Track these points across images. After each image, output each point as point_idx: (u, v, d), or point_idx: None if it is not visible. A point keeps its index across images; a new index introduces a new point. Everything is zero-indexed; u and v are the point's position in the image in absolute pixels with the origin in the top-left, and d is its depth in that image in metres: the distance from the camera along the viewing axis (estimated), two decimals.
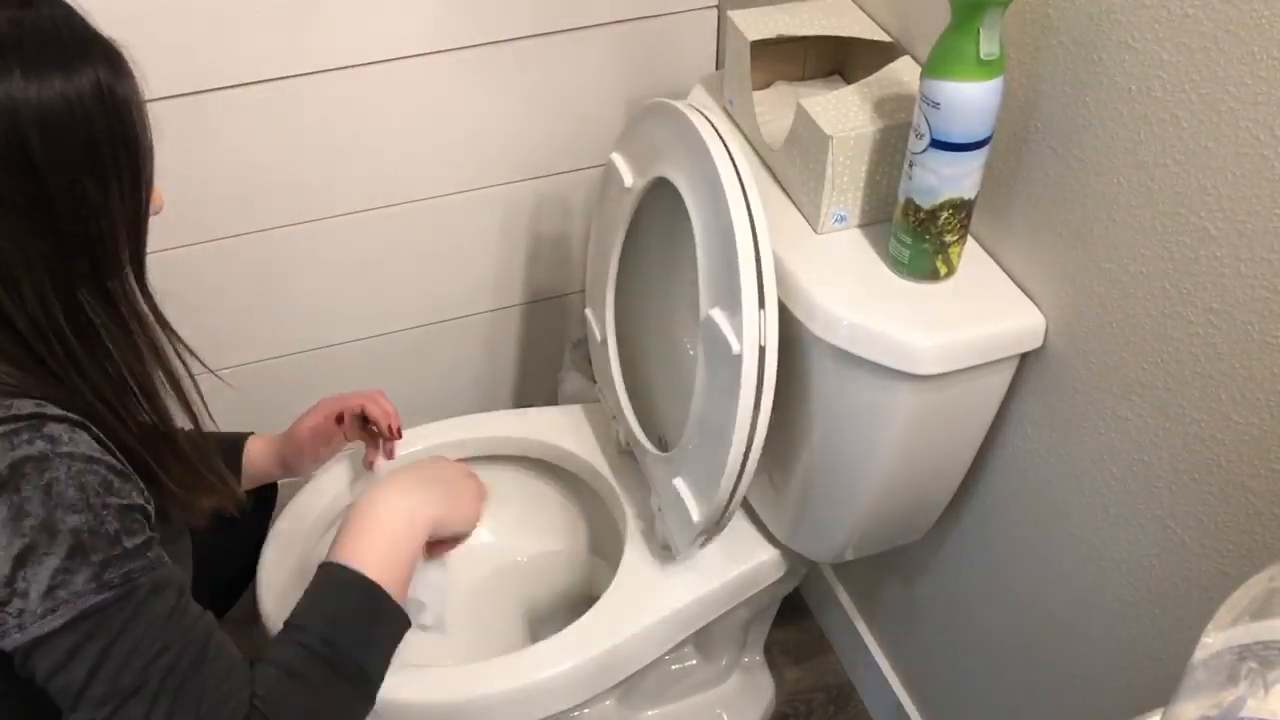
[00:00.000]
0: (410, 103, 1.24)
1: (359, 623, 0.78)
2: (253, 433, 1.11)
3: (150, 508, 0.70)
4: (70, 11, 0.65)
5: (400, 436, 1.14)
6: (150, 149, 0.69)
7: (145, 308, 0.71)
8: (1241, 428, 0.74)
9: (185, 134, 1.16)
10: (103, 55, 0.64)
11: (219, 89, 1.15)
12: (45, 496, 0.63)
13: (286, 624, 0.77)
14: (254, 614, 1.08)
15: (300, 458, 1.10)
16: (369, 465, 1.16)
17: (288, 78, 1.17)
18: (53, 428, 0.64)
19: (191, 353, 0.76)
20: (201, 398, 0.79)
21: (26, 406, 0.64)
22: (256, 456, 1.09)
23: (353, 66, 1.19)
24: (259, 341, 1.39)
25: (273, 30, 1.13)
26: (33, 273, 0.64)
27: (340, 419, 1.12)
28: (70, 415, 0.66)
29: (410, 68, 1.21)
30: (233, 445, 1.08)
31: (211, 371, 0.79)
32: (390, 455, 1.16)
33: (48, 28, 0.63)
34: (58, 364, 0.67)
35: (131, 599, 0.66)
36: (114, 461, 0.67)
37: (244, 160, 1.21)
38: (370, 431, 1.15)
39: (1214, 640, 0.45)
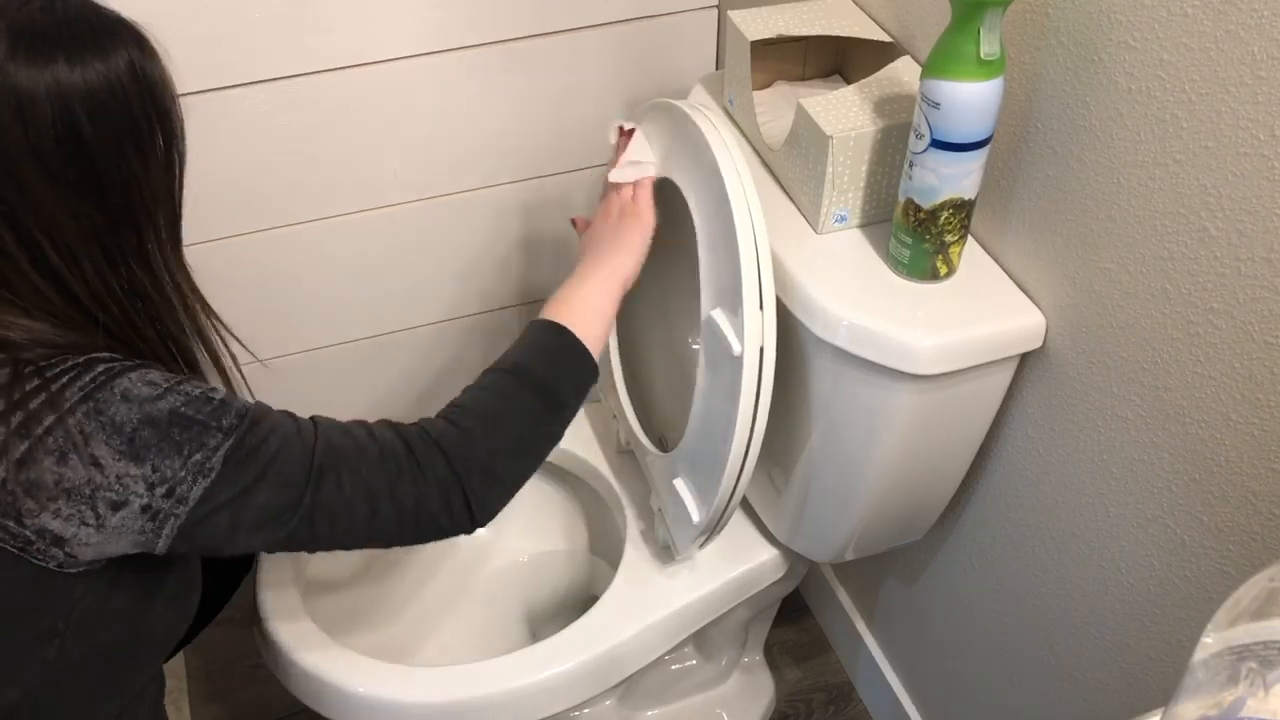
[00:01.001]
0: (410, 103, 1.24)
1: (547, 351, 0.88)
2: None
3: None
4: (88, 3, 0.69)
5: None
6: (181, 123, 0.73)
7: (184, 281, 0.76)
8: (1241, 428, 0.74)
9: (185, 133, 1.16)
10: (131, 37, 0.69)
11: (219, 89, 1.15)
12: (126, 402, 0.68)
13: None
14: (254, 615, 1.08)
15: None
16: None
17: (288, 78, 1.17)
18: (103, 360, 0.69)
19: (227, 329, 0.81)
20: (240, 371, 0.84)
21: (80, 358, 0.68)
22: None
23: (353, 66, 1.19)
24: (258, 342, 1.38)
25: (273, 30, 1.13)
26: (89, 244, 0.69)
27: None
28: (118, 356, 0.70)
29: (410, 68, 1.21)
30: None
31: (243, 345, 0.84)
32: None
33: (76, 15, 0.66)
34: (118, 327, 0.72)
35: (257, 425, 0.73)
36: (157, 364, 0.72)
37: (244, 160, 1.21)
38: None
39: (1214, 640, 0.45)
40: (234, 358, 0.83)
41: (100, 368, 0.68)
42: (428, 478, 0.78)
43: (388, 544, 0.80)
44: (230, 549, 0.73)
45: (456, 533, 0.82)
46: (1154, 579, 0.87)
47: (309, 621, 1.05)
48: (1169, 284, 0.76)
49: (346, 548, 0.79)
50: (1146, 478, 0.84)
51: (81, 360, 0.68)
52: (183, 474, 0.69)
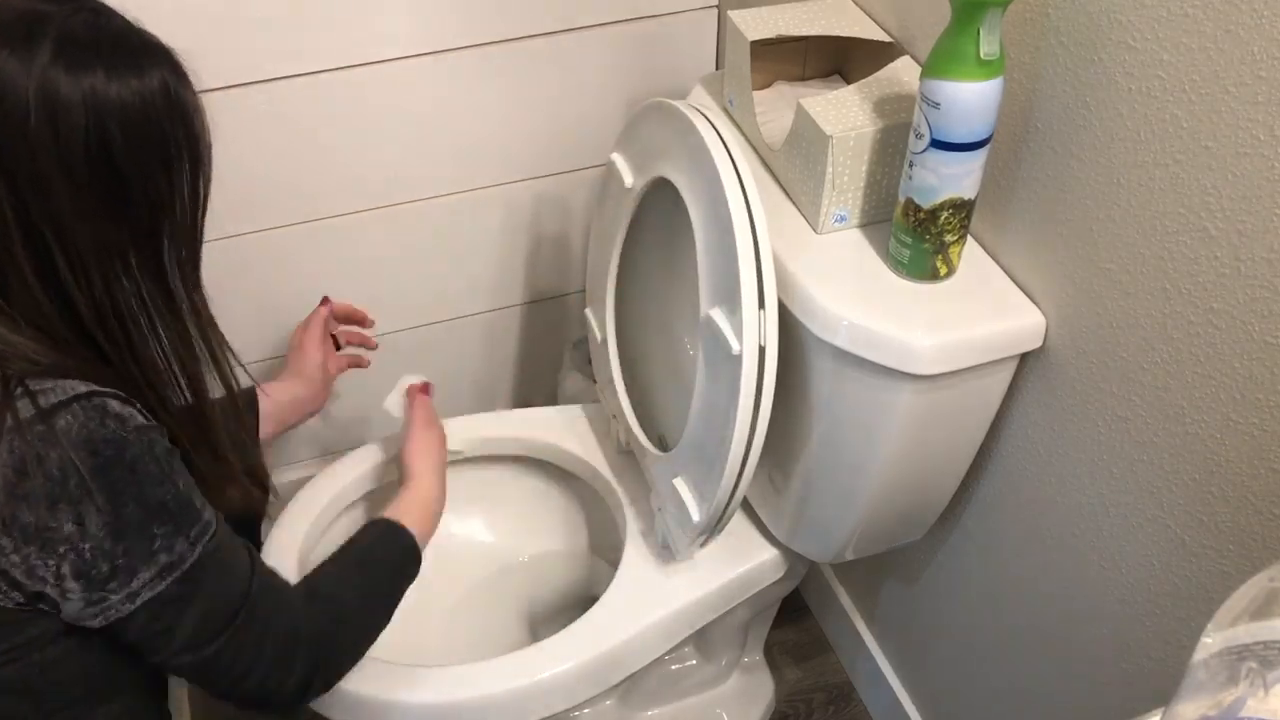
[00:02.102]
0: (410, 103, 1.24)
1: (393, 564, 0.94)
2: (255, 385, 1.07)
3: None
4: (130, 21, 0.70)
5: (372, 322, 1.23)
6: (210, 149, 0.73)
7: (200, 301, 0.77)
8: (1241, 428, 0.74)
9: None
10: (166, 59, 0.69)
11: (219, 89, 1.15)
12: (131, 475, 0.68)
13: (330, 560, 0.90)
14: None
15: (319, 393, 1.16)
16: (364, 365, 1.25)
17: (288, 78, 1.17)
18: (113, 405, 0.68)
19: (230, 352, 0.82)
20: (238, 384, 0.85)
21: (80, 387, 0.67)
22: (278, 401, 1.10)
23: (353, 66, 1.19)
24: (258, 342, 1.39)
25: (273, 30, 1.13)
26: (101, 258, 0.68)
27: (331, 341, 1.19)
28: (119, 393, 0.69)
29: (410, 68, 1.21)
30: (248, 400, 1.07)
31: (247, 372, 0.85)
32: (374, 345, 1.25)
33: (119, 32, 0.68)
34: (113, 347, 0.71)
35: (216, 551, 0.74)
36: (162, 427, 0.72)
37: (244, 160, 1.21)
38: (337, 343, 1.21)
39: (1214, 640, 0.45)
40: (234, 372, 0.84)
41: (112, 414, 0.67)
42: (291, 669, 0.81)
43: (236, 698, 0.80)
44: (151, 656, 0.74)
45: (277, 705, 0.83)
46: (1154, 579, 0.87)
47: None
48: (1169, 284, 0.76)
49: (246, 703, 0.80)
50: (1146, 478, 0.84)
51: (84, 395, 0.67)
52: (148, 576, 0.70)
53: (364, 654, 0.89)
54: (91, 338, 0.70)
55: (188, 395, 0.77)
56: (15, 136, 0.63)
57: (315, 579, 0.87)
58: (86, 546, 0.67)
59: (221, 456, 0.81)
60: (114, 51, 0.66)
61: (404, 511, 0.97)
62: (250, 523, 1.14)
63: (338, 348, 1.23)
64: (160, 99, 0.68)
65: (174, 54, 0.71)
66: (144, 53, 0.68)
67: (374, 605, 0.90)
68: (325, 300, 1.20)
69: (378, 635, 0.91)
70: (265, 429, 1.09)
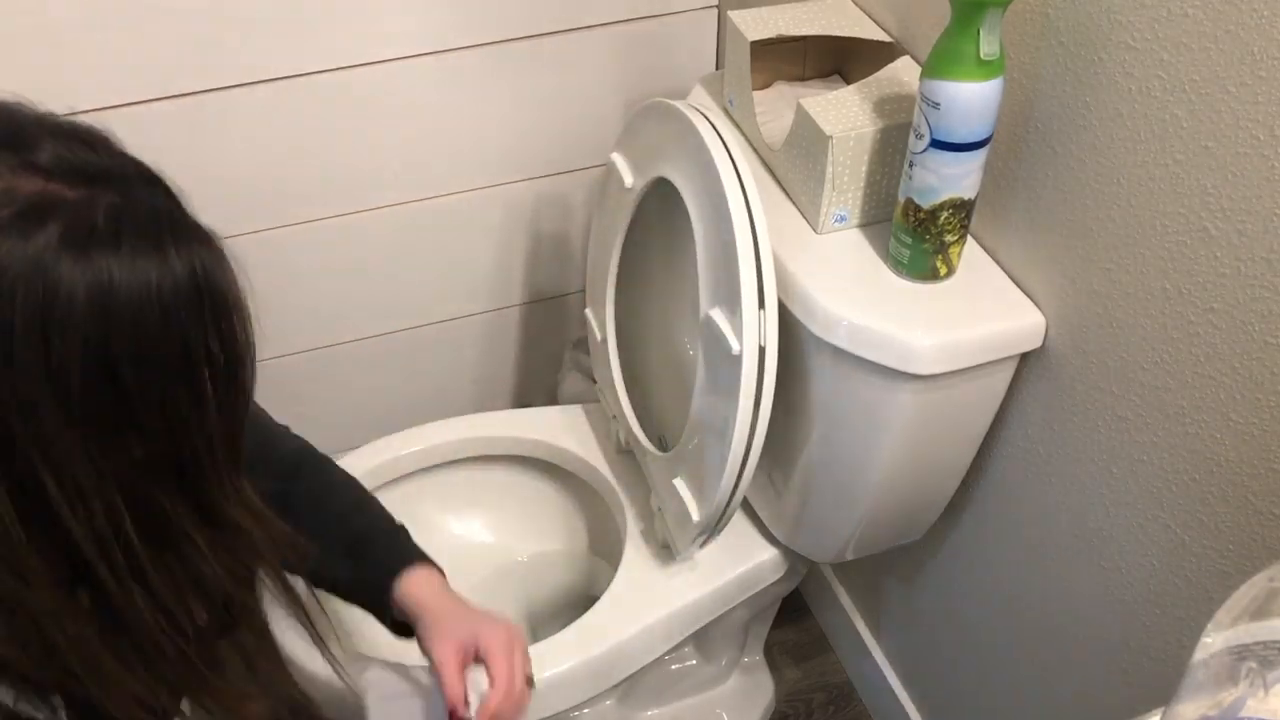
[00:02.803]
0: (410, 103, 1.24)
1: None
2: (413, 564, 0.94)
3: None
4: (171, 195, 0.58)
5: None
6: (252, 350, 0.59)
7: (235, 513, 0.61)
8: (1241, 428, 0.74)
9: (185, 134, 1.16)
10: (206, 246, 0.56)
11: (219, 89, 1.15)
12: None
13: None
14: None
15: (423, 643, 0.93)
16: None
17: (288, 78, 1.17)
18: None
19: (301, 546, 0.68)
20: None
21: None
22: (417, 598, 0.93)
23: (353, 66, 1.19)
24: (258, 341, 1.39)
25: (273, 30, 1.13)
26: (105, 488, 0.53)
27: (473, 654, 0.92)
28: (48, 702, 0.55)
29: (410, 68, 1.21)
30: (378, 581, 0.92)
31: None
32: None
33: (151, 213, 0.55)
34: (114, 576, 0.55)
35: None
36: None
37: (244, 160, 1.21)
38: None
39: (1214, 640, 0.45)
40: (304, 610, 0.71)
41: None
42: None
43: None
44: None
45: None
46: (1154, 579, 0.87)
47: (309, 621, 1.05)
48: (1169, 284, 0.76)
49: None
50: (1146, 478, 0.84)
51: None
52: None
53: None
54: (86, 578, 0.55)
55: (218, 607, 0.62)
56: None
57: None
58: None
59: (244, 675, 0.67)
60: (142, 236, 0.52)
61: None
62: None
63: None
64: (184, 293, 0.53)
65: (218, 242, 0.57)
66: (180, 236, 0.55)
67: None
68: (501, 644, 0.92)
69: None
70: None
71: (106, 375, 0.51)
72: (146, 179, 0.57)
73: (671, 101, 0.94)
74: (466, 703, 0.88)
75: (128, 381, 0.52)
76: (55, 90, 1.14)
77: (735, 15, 1.00)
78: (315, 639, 0.73)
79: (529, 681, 0.91)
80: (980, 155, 0.81)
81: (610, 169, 1.06)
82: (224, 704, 0.64)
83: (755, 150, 1.02)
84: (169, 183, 0.58)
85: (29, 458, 0.50)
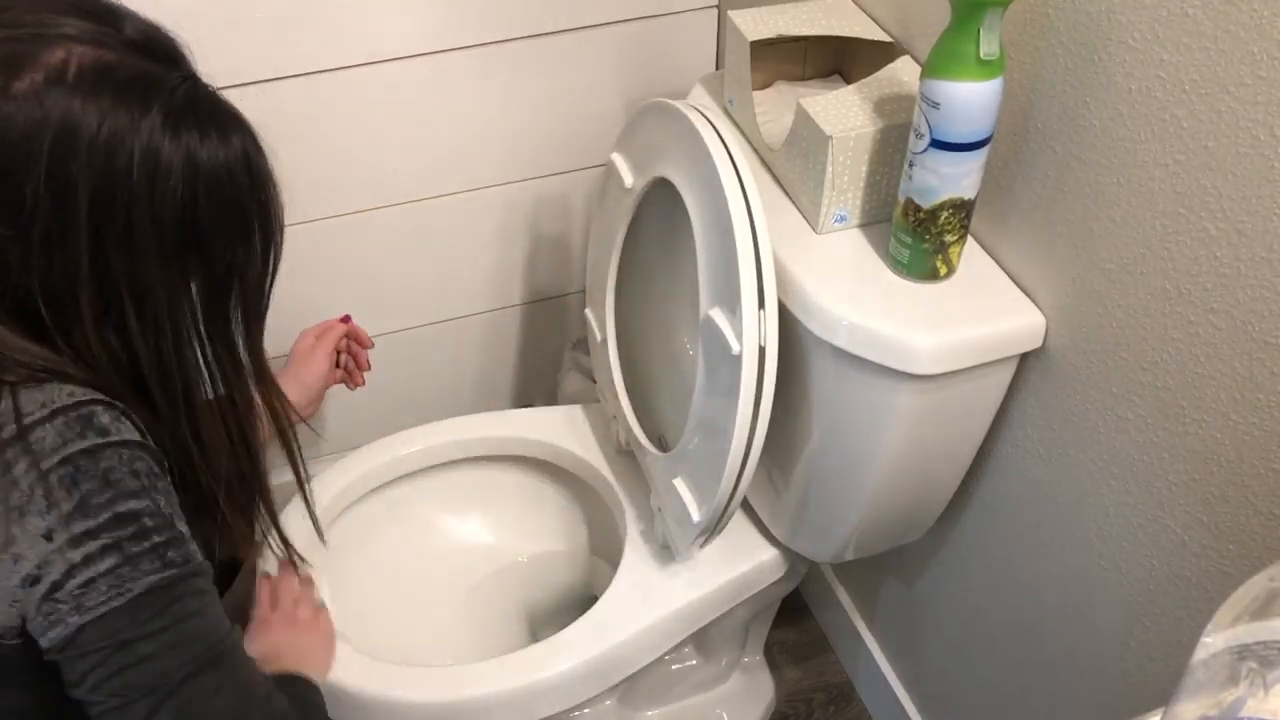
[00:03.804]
0: (410, 103, 1.24)
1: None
2: None
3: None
4: (215, 91, 0.72)
5: (371, 345, 1.21)
6: (282, 224, 0.75)
7: (265, 367, 0.78)
8: (1241, 428, 0.74)
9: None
10: (247, 130, 0.72)
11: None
12: (104, 485, 0.65)
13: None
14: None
15: (312, 403, 1.15)
16: (355, 385, 1.21)
17: (287, 78, 1.17)
18: (100, 416, 0.66)
19: (288, 412, 0.84)
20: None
21: (65, 397, 0.66)
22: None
23: (353, 66, 1.19)
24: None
25: (272, 30, 1.13)
26: (175, 316, 0.70)
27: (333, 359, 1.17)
28: (115, 403, 0.68)
29: (410, 68, 1.21)
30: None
31: (307, 424, 0.88)
32: (367, 368, 1.20)
33: (208, 100, 0.70)
34: (168, 404, 0.72)
35: (193, 579, 0.70)
36: (155, 449, 0.70)
37: None
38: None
39: (1214, 640, 0.45)
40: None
41: (95, 425, 0.66)
42: None
43: None
44: (77, 688, 0.67)
45: None
46: (1154, 579, 0.87)
47: None
48: (1169, 284, 0.76)
49: None
50: (1146, 478, 0.84)
51: (68, 402, 0.65)
52: (102, 583, 0.65)
53: None
54: (146, 391, 0.70)
55: (242, 453, 0.78)
56: (116, 190, 0.64)
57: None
58: (50, 551, 0.64)
59: (250, 518, 0.81)
60: (208, 120, 0.68)
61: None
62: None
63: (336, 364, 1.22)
64: (241, 168, 0.70)
65: (252, 126, 0.72)
66: (230, 123, 0.70)
67: None
68: (347, 318, 1.19)
69: None
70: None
71: (192, 220, 0.67)
72: (194, 74, 0.71)
73: (671, 101, 0.94)
74: None
75: (204, 227, 0.68)
76: None
77: (735, 15, 1.00)
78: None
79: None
80: (980, 155, 0.81)
81: (610, 169, 1.06)
82: (227, 537, 0.79)
83: (755, 150, 1.02)
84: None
85: (119, 286, 0.67)
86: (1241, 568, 0.78)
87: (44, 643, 0.66)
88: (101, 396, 0.67)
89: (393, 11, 1.16)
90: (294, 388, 1.13)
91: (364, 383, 1.23)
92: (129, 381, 0.70)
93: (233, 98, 1.07)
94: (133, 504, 0.66)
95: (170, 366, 0.71)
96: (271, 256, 0.75)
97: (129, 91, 0.64)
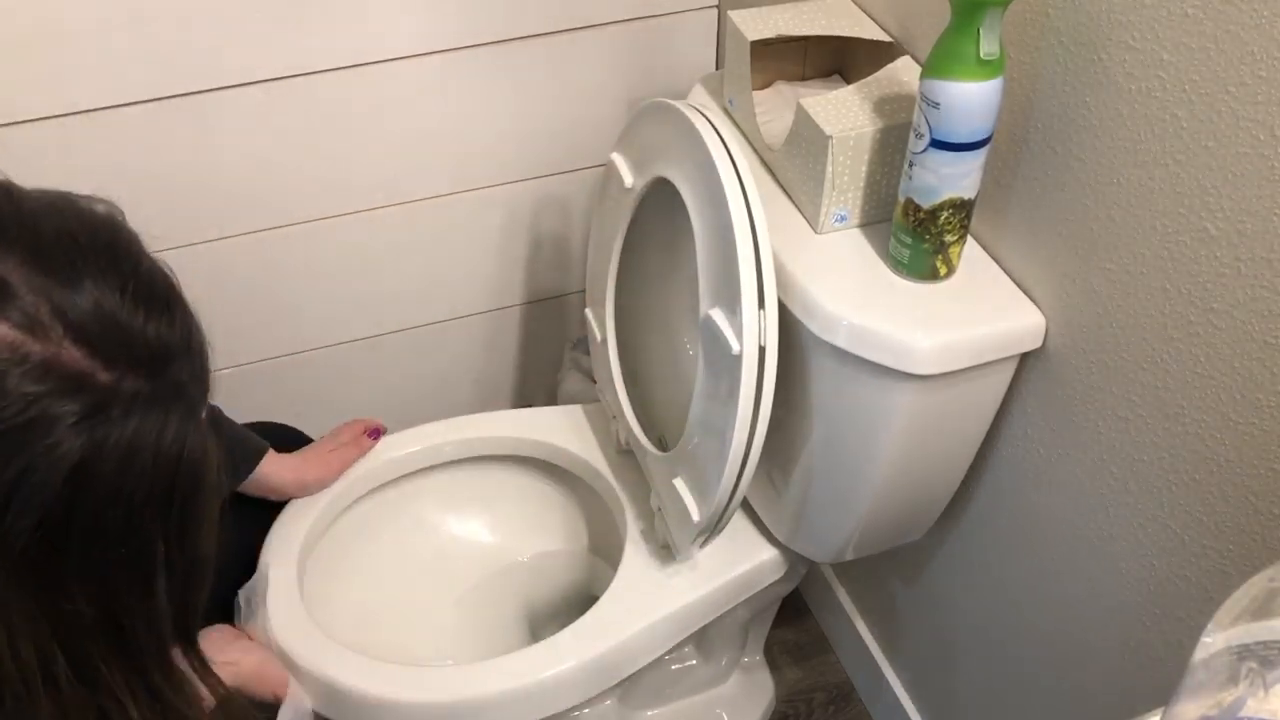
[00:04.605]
0: (410, 103, 1.24)
1: None
2: (269, 448, 1.11)
3: None
4: (196, 377, 0.59)
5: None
6: (212, 550, 0.60)
7: (176, 691, 0.62)
8: (1241, 428, 0.74)
9: (185, 134, 1.16)
10: (196, 436, 0.56)
11: (219, 89, 1.15)
12: None
13: None
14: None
15: (323, 483, 1.17)
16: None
17: (288, 78, 1.17)
18: None
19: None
20: None
21: None
22: (274, 478, 1.12)
23: (353, 66, 1.19)
24: (258, 341, 1.39)
25: (273, 30, 1.13)
26: (39, 632, 0.54)
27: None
28: None
29: (410, 68, 1.21)
30: (245, 454, 1.08)
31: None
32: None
33: (165, 394, 0.55)
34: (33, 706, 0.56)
35: None
36: None
37: (243, 160, 1.21)
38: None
39: (1214, 640, 0.45)
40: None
41: None
42: None
43: None
44: None
45: None
46: (1154, 579, 0.87)
47: (309, 621, 1.05)
48: (1169, 284, 0.76)
49: None
50: (1146, 478, 0.84)
51: None
52: None
53: None
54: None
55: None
56: None
57: None
58: None
59: None
60: (140, 419, 0.53)
61: None
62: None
63: None
64: (162, 486, 0.55)
65: (206, 432, 0.58)
66: (176, 426, 0.55)
67: None
68: (378, 434, 1.22)
69: None
70: (247, 487, 1.10)
71: (59, 542, 0.51)
72: (186, 351, 0.57)
73: (671, 101, 0.94)
74: None
75: (74, 553, 0.52)
76: (56, 90, 1.15)
77: (735, 15, 1.00)
78: None
79: None
80: (980, 155, 0.81)
81: (610, 169, 1.06)
82: None
83: (755, 150, 1.02)
84: (206, 358, 0.59)
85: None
86: (1241, 568, 0.78)
87: None
88: None
89: (393, 11, 1.16)
90: (290, 479, 1.14)
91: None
92: None
93: (233, 97, 1.08)
94: None
95: (32, 675, 0.54)
96: (184, 575, 0.59)
97: (50, 392, 0.50)
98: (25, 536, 0.50)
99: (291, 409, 1.15)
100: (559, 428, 1.26)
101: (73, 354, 0.50)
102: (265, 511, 1.15)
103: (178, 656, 0.61)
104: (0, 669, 0.53)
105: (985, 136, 0.80)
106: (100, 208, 0.56)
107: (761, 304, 0.85)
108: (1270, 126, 0.65)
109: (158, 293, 0.55)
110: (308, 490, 1.16)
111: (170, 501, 0.55)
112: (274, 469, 1.12)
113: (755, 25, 0.99)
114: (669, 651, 1.13)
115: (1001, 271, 0.91)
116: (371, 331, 1.45)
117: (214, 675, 0.65)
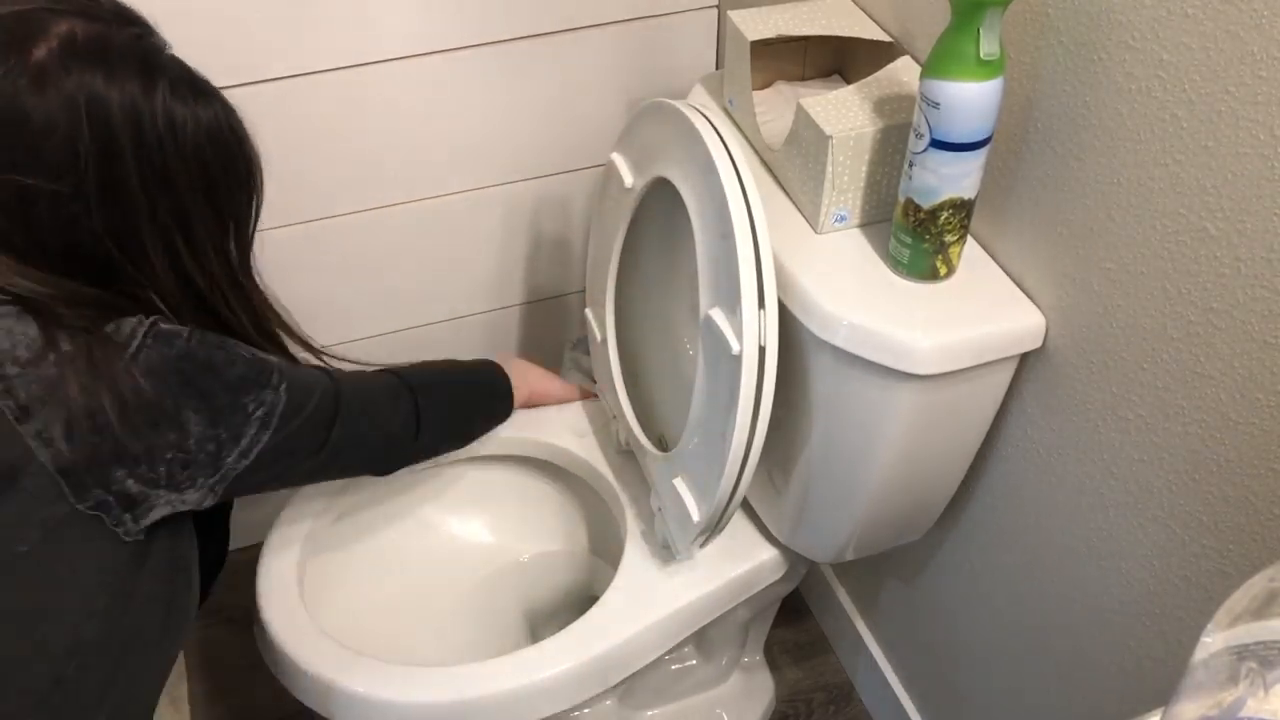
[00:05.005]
0: (410, 103, 1.24)
1: (486, 389, 1.16)
2: (494, 362, 1.19)
3: None
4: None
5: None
6: (259, 160, 0.86)
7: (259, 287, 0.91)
8: (1241, 428, 0.74)
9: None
10: (220, 97, 0.81)
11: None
12: (211, 373, 0.77)
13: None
14: (254, 615, 1.08)
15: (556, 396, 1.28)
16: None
17: (288, 78, 1.17)
18: (164, 326, 0.76)
19: (300, 334, 0.95)
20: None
21: (135, 323, 0.75)
22: (537, 383, 1.26)
23: (353, 66, 1.19)
24: None
25: (273, 30, 1.13)
26: (211, 233, 0.82)
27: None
28: (164, 313, 0.79)
29: (410, 68, 1.21)
30: (495, 390, 1.19)
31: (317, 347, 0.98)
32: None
33: (190, 70, 0.80)
34: (228, 311, 0.85)
35: (296, 378, 0.84)
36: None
37: None
38: None
39: (1214, 640, 0.45)
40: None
41: (172, 334, 0.76)
42: (405, 422, 0.99)
43: (374, 470, 1.01)
44: (266, 486, 0.85)
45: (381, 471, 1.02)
46: (1154, 579, 0.87)
47: (309, 621, 1.05)
48: (1169, 284, 0.76)
49: (356, 474, 1.02)
50: (1146, 478, 0.84)
51: (146, 325, 0.75)
52: (253, 432, 0.80)
53: (436, 452, 1.09)
54: (212, 309, 0.84)
55: (266, 318, 0.92)
56: (148, 145, 0.74)
57: (407, 370, 1.03)
58: (191, 443, 0.76)
59: (282, 348, 0.94)
60: (198, 88, 0.78)
61: (510, 369, 1.17)
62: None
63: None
64: (228, 124, 0.81)
65: (220, 93, 0.82)
66: (210, 90, 0.80)
67: (458, 407, 1.10)
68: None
69: (450, 444, 1.10)
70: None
71: (205, 164, 0.79)
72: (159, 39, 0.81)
73: (671, 101, 0.94)
74: None
75: (214, 173, 0.80)
76: None
77: (735, 15, 1.00)
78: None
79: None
80: (980, 155, 0.81)
81: (610, 169, 1.06)
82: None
83: (755, 150, 1.02)
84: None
85: (169, 225, 0.78)
86: (1241, 568, 0.78)
87: (217, 492, 0.80)
88: (155, 316, 0.77)
89: (393, 11, 1.16)
90: (540, 380, 1.26)
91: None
92: (186, 293, 0.81)
93: (233, 98, 1.08)
94: (235, 371, 0.79)
95: (220, 282, 0.84)
96: (256, 199, 0.88)
97: (134, 62, 0.74)
98: (196, 161, 0.78)
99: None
100: (559, 428, 1.26)
101: (122, 30, 0.75)
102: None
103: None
104: (206, 278, 0.82)
105: (985, 136, 0.80)
106: None
107: (761, 304, 0.85)
108: (1270, 126, 0.65)
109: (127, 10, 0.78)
110: (552, 395, 1.27)
111: (235, 135, 0.82)
112: (533, 378, 1.25)
113: (755, 25, 0.99)
114: (669, 652, 1.13)
115: (1001, 271, 0.91)
116: (371, 331, 1.45)
117: (264, 296, 0.92)
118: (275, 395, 0.82)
